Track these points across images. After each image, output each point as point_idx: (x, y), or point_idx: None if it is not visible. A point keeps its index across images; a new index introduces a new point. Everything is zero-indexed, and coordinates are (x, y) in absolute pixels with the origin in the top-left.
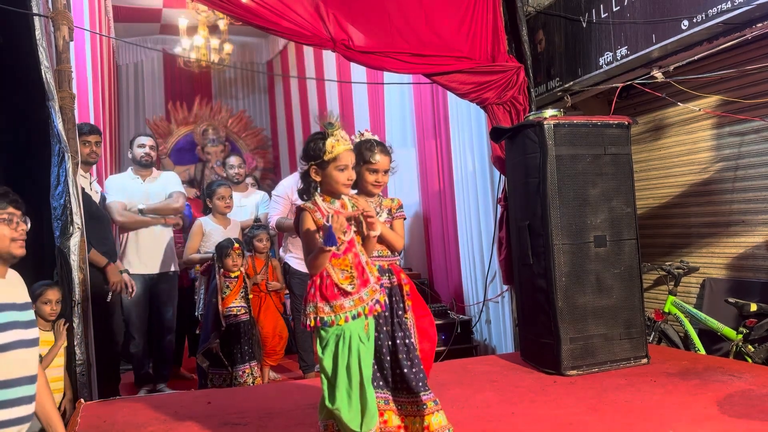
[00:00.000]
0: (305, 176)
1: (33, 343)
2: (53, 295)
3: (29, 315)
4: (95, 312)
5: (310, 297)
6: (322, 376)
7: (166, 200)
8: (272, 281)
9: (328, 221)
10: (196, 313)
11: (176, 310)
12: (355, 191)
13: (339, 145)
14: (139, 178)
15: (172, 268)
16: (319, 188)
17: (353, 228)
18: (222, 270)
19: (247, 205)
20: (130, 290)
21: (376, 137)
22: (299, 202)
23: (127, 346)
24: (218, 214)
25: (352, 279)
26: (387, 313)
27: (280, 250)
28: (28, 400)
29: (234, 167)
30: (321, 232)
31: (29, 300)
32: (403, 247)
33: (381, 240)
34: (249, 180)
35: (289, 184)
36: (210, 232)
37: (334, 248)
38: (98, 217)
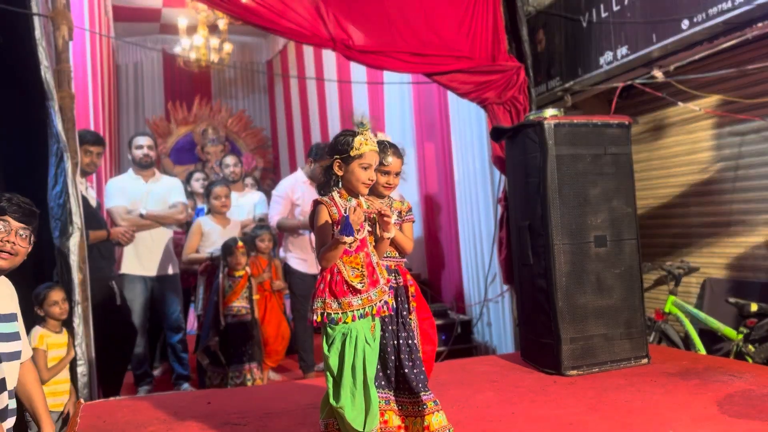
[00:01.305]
0: (328, 170)
1: (12, 356)
2: (58, 295)
3: (12, 327)
4: (105, 315)
5: (318, 292)
6: (327, 373)
7: (170, 209)
8: (276, 281)
9: (346, 212)
10: (196, 313)
11: (183, 310)
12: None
13: (367, 144)
14: (140, 178)
15: (171, 270)
16: (339, 183)
17: (367, 227)
18: (227, 269)
19: (243, 204)
20: (129, 235)
21: (389, 139)
22: (299, 201)
23: None
24: (216, 213)
25: (363, 277)
26: (392, 313)
27: (281, 250)
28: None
29: (229, 166)
30: (336, 226)
31: (15, 311)
32: (411, 249)
33: (392, 242)
34: (249, 180)
35: (289, 184)
36: (209, 232)
37: (350, 239)
38: (97, 221)
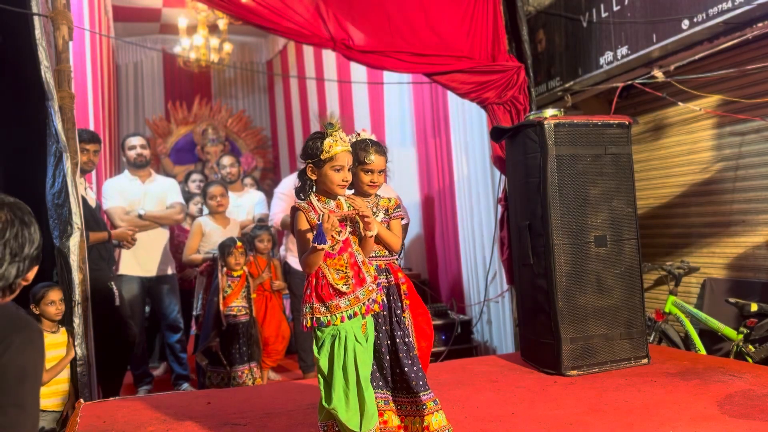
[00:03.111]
0: (302, 174)
1: None
2: (55, 295)
3: None
4: (105, 315)
5: (306, 298)
6: (319, 376)
7: (168, 209)
8: (276, 281)
9: (319, 220)
10: (194, 313)
11: (181, 310)
12: (352, 191)
13: (336, 146)
14: (137, 179)
15: (170, 271)
16: (315, 187)
17: (348, 228)
18: (225, 269)
19: (242, 204)
20: (133, 239)
21: (372, 137)
22: None
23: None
24: (213, 213)
25: (347, 279)
26: (385, 312)
27: (281, 249)
28: None
29: (226, 167)
30: (314, 232)
31: None
32: (400, 247)
33: (378, 240)
34: (248, 180)
35: (293, 183)
36: (210, 233)
37: (325, 246)
38: (96, 221)
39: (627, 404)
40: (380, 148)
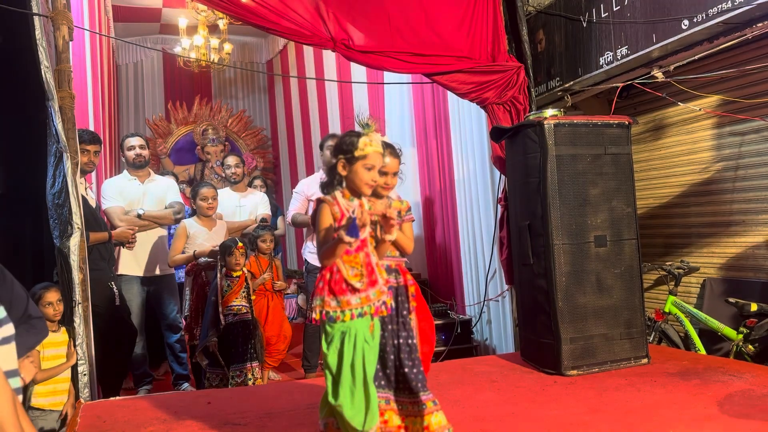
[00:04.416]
0: (332, 169)
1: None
2: (53, 296)
3: None
4: (105, 315)
5: (318, 290)
6: (326, 371)
7: (167, 209)
8: (277, 281)
9: (353, 213)
10: (182, 315)
11: (180, 309)
12: None
13: (371, 146)
14: (136, 179)
15: (168, 271)
16: (343, 183)
17: (369, 228)
18: (225, 269)
19: (245, 205)
20: (133, 239)
21: (386, 139)
22: (314, 198)
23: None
24: (202, 215)
25: (362, 277)
26: (393, 313)
27: (303, 248)
28: None
29: (231, 167)
30: (338, 225)
31: None
32: (412, 249)
33: (393, 243)
34: (258, 182)
35: (308, 183)
36: (194, 234)
37: (354, 240)
38: (96, 221)
39: (627, 404)
40: (394, 151)
